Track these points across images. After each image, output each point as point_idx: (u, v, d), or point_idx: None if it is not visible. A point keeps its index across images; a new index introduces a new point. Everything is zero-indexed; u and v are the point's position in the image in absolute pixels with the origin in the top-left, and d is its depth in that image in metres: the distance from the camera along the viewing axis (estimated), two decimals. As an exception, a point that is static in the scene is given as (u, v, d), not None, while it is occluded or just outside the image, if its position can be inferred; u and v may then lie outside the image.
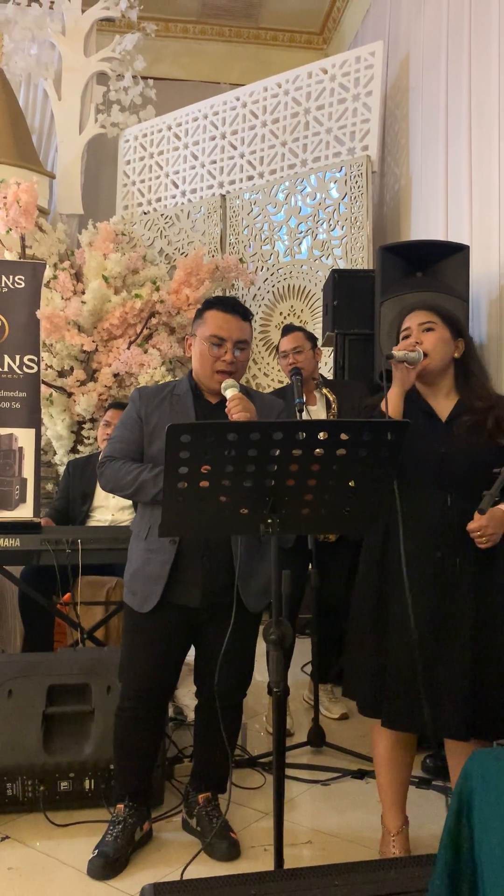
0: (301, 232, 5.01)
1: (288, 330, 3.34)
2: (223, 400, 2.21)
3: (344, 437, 1.63)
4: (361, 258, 4.63)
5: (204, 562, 2.16)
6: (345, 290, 3.91)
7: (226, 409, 2.08)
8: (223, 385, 2.14)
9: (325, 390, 3.28)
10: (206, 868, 2.14)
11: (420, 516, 2.01)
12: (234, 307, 2.25)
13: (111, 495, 2.92)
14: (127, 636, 2.26)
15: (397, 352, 2.05)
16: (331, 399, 3.24)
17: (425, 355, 2.07)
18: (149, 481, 2.14)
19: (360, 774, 2.73)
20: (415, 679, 1.96)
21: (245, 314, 2.27)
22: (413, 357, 2.04)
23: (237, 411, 2.04)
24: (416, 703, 1.96)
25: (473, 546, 1.98)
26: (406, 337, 2.14)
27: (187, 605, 2.17)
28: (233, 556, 2.16)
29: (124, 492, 2.21)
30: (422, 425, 2.06)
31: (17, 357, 3.41)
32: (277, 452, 1.61)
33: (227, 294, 5.30)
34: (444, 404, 2.12)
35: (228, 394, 2.10)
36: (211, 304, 2.27)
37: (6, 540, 2.78)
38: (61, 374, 4.62)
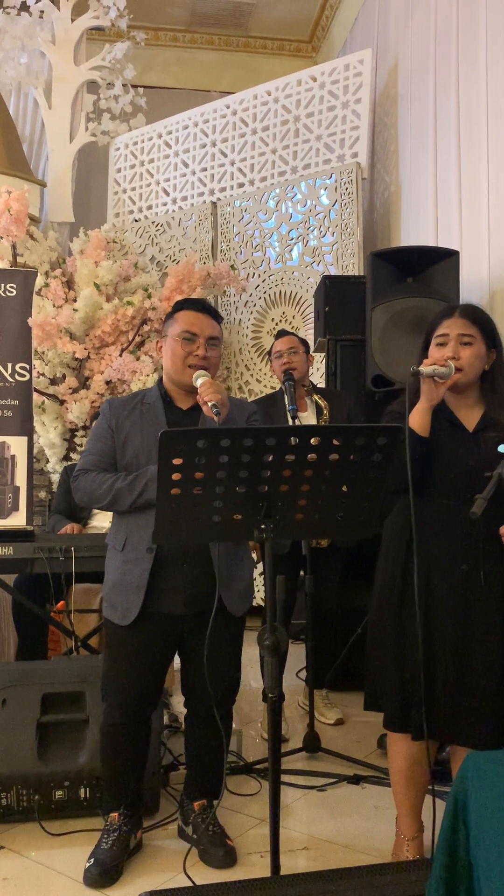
0: (292, 238, 5.03)
1: (282, 333, 3.37)
2: (195, 405, 2.22)
3: (336, 442, 1.63)
4: (352, 264, 4.64)
5: (184, 568, 2.14)
6: (336, 296, 3.93)
7: (197, 397, 2.10)
8: (195, 376, 2.14)
9: (316, 397, 3.29)
10: (202, 875, 2.13)
11: (447, 528, 1.98)
12: (205, 307, 2.27)
13: None
14: (109, 651, 2.23)
15: (425, 368, 1.93)
16: (322, 406, 3.25)
17: (458, 369, 1.97)
18: (124, 489, 2.13)
19: (356, 780, 2.73)
20: (443, 691, 1.96)
21: (216, 315, 2.28)
22: (443, 372, 1.93)
23: (209, 394, 2.04)
24: (444, 715, 1.96)
25: (499, 559, 1.97)
26: (441, 344, 2.04)
27: (170, 612, 2.15)
28: (213, 561, 2.15)
29: (100, 503, 2.19)
30: (448, 435, 2.01)
31: (9, 365, 3.41)
32: (271, 458, 1.61)
33: (220, 301, 5.31)
34: (469, 415, 2.06)
35: (199, 382, 2.11)
36: (182, 304, 2.28)
37: (-1, 548, 2.77)
38: (53, 381, 4.61)
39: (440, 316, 2.09)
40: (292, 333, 3.37)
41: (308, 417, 3.25)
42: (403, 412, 2.04)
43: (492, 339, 2.06)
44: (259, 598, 4.95)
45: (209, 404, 2.02)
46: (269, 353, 3.41)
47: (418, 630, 1.93)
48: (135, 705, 2.21)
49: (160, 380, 2.33)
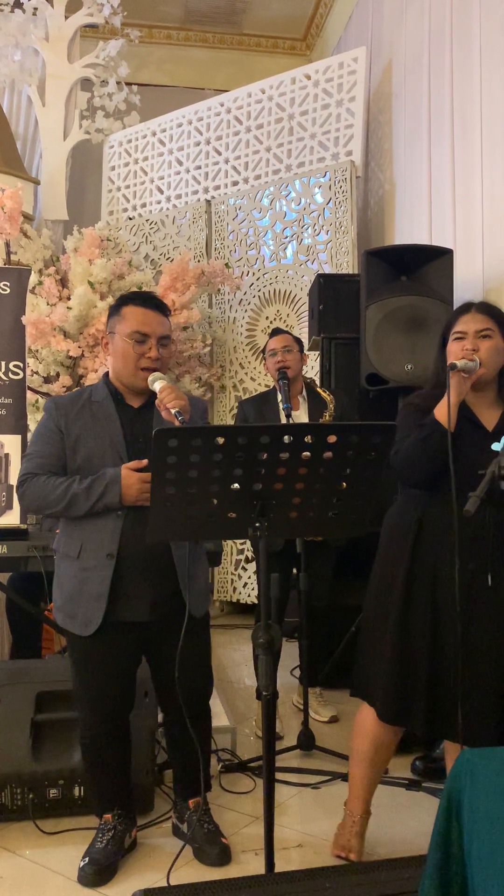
0: (286, 237, 5.03)
1: (277, 331, 3.36)
2: (146, 403, 2.16)
3: (331, 440, 1.63)
4: (346, 262, 4.65)
5: (148, 573, 2.08)
6: (330, 294, 3.93)
7: (156, 402, 2.02)
8: (150, 379, 2.07)
9: (319, 390, 3.27)
10: (196, 873, 2.13)
11: (453, 528, 1.96)
12: (153, 302, 2.17)
13: None
14: (75, 665, 2.17)
15: (460, 362, 1.95)
16: (327, 399, 3.23)
17: (480, 364, 1.99)
18: (80, 494, 2.03)
19: (350, 777, 2.73)
20: (440, 687, 1.96)
21: (164, 309, 2.19)
22: (471, 367, 1.95)
23: (171, 399, 1.97)
24: (440, 711, 1.97)
25: None
26: (458, 339, 2.05)
27: (135, 620, 2.09)
28: (175, 563, 2.10)
29: (52, 509, 2.07)
30: (467, 435, 2.00)
31: (3, 363, 3.40)
32: (265, 456, 1.61)
33: (214, 299, 5.30)
34: (489, 414, 2.06)
35: (157, 386, 2.03)
36: (127, 299, 2.18)
37: (-7, 547, 2.77)
38: (47, 380, 4.60)
39: (456, 313, 2.11)
40: (286, 332, 3.37)
41: (300, 416, 3.25)
42: (424, 406, 2.05)
43: None
44: (253, 596, 4.96)
45: (173, 411, 1.95)
46: (264, 351, 3.40)
47: (425, 631, 1.93)
48: (109, 713, 2.18)
49: (106, 375, 2.23)
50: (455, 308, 2.16)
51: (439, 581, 2.01)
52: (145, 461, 2.04)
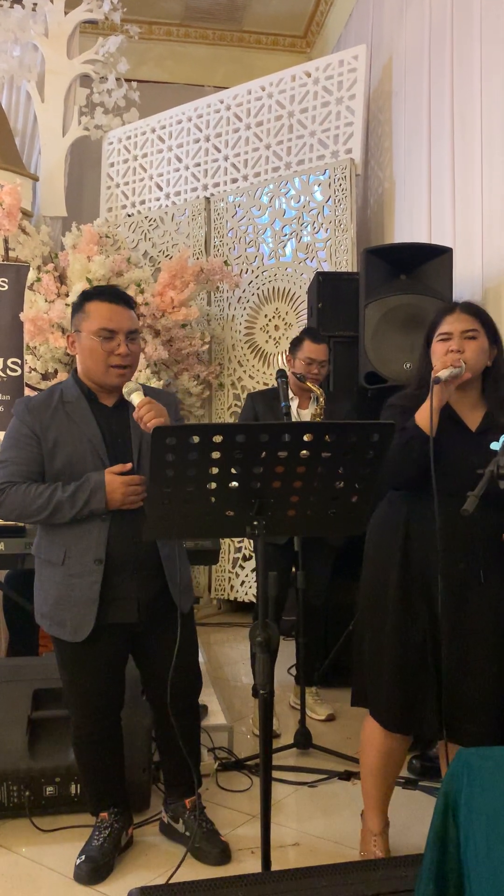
0: (285, 234, 5.02)
1: (316, 337, 3.26)
2: (120, 402, 2.12)
3: (329, 438, 1.63)
4: (346, 261, 4.64)
5: (136, 575, 2.07)
6: (329, 292, 3.93)
7: (134, 415, 1.97)
8: (125, 390, 2.02)
9: (309, 384, 3.19)
10: (192, 871, 2.13)
11: (444, 526, 1.95)
12: (118, 296, 2.11)
13: None
14: (64, 670, 2.15)
15: (444, 373, 1.93)
16: (317, 392, 3.19)
17: (465, 367, 1.97)
18: (65, 502, 1.99)
19: (347, 776, 2.73)
20: (446, 690, 1.95)
21: (129, 302, 2.13)
22: (456, 373, 1.94)
23: (150, 418, 1.92)
24: (447, 715, 1.96)
25: (497, 559, 1.97)
26: (444, 340, 2.04)
27: (125, 622, 2.08)
28: (161, 561, 2.08)
29: (35, 517, 2.03)
30: (451, 434, 2.00)
31: (1, 360, 3.40)
32: (263, 454, 1.61)
33: (213, 297, 5.30)
34: (472, 414, 2.06)
35: (135, 399, 1.98)
36: (91, 294, 2.11)
37: (-10, 544, 2.76)
38: (45, 376, 4.59)
39: (441, 313, 2.09)
40: (324, 340, 3.25)
41: (308, 415, 3.24)
42: (406, 406, 2.04)
43: (493, 335, 2.06)
44: (251, 594, 4.95)
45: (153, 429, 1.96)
46: (293, 345, 3.29)
47: (417, 633, 1.93)
48: (100, 713, 2.17)
49: (75, 372, 2.16)
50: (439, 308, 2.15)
51: (432, 583, 2.00)
52: (129, 465, 2.02)
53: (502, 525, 1.92)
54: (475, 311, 2.06)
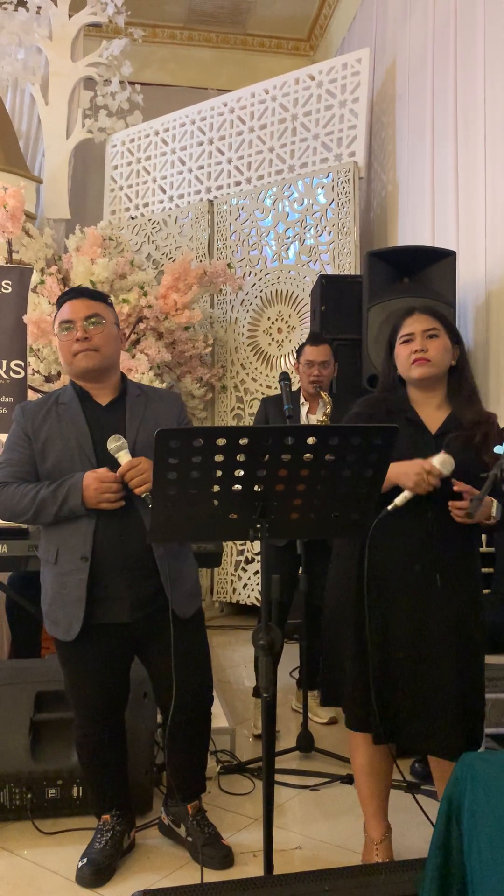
0: (289, 237, 5.03)
1: (317, 340, 3.28)
2: (115, 400, 2.14)
3: (332, 442, 1.63)
4: (349, 264, 4.64)
5: (125, 574, 2.06)
6: (332, 295, 3.93)
7: (125, 478, 1.99)
8: (110, 447, 2.03)
9: (321, 393, 3.25)
10: (194, 875, 2.13)
11: (401, 528, 1.96)
12: (78, 292, 2.16)
13: None
14: (64, 669, 2.17)
15: (398, 500, 1.90)
16: (326, 401, 3.21)
17: (427, 360, 1.99)
18: (48, 499, 2.01)
19: (350, 779, 2.72)
20: (401, 694, 1.95)
21: (93, 295, 2.16)
22: (409, 496, 1.90)
23: (137, 483, 1.97)
24: (404, 719, 1.95)
25: (453, 561, 1.97)
26: (406, 341, 2.06)
27: (116, 622, 2.07)
28: (156, 562, 2.07)
29: (23, 517, 2.06)
30: (408, 436, 1.99)
31: (4, 362, 3.40)
32: (267, 457, 1.61)
33: (216, 299, 5.30)
34: (434, 416, 2.06)
35: (121, 458, 2.01)
36: (59, 299, 2.17)
37: (-7, 546, 2.76)
38: (48, 379, 4.60)
39: (401, 317, 2.13)
40: (325, 341, 3.27)
41: (315, 420, 3.25)
42: (368, 413, 2.06)
43: (454, 335, 2.10)
44: (253, 597, 4.95)
45: (142, 496, 1.97)
46: (297, 353, 3.32)
47: (368, 634, 1.93)
48: (101, 714, 2.17)
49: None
50: (401, 314, 2.17)
51: (389, 586, 1.99)
52: (109, 471, 2.01)
53: (459, 528, 1.90)
54: (434, 312, 2.11)
